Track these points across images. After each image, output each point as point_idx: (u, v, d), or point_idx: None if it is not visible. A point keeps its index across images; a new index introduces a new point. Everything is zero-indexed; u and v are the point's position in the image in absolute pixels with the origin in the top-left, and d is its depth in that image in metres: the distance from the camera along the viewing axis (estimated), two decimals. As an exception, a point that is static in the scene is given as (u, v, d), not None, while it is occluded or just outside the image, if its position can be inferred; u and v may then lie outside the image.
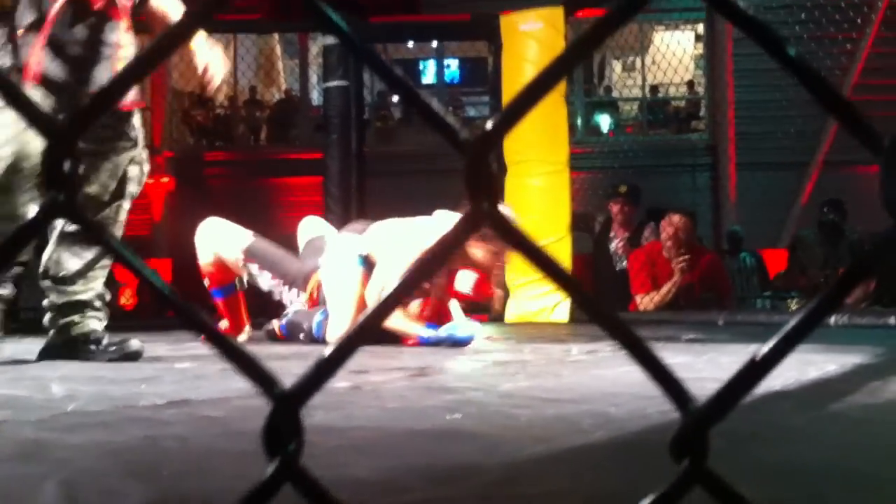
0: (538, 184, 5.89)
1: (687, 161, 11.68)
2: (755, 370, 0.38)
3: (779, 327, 0.40)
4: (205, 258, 4.08)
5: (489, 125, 0.36)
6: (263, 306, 4.34)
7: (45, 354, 3.06)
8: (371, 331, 0.38)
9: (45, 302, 3.10)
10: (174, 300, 0.38)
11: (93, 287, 3.10)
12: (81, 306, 3.08)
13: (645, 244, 5.99)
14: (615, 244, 6.31)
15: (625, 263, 6.06)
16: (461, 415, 1.68)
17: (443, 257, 0.36)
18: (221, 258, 4.05)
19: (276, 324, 4.08)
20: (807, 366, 2.31)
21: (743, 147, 11.26)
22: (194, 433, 1.58)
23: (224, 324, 4.09)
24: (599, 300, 0.39)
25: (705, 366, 2.52)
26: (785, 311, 5.82)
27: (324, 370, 0.36)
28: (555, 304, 6.05)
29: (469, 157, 0.35)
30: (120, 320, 6.06)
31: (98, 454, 1.38)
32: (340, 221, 4.86)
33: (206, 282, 4.12)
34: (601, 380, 2.28)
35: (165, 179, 9.60)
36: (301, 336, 3.86)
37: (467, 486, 1.10)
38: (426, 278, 0.36)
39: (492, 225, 0.35)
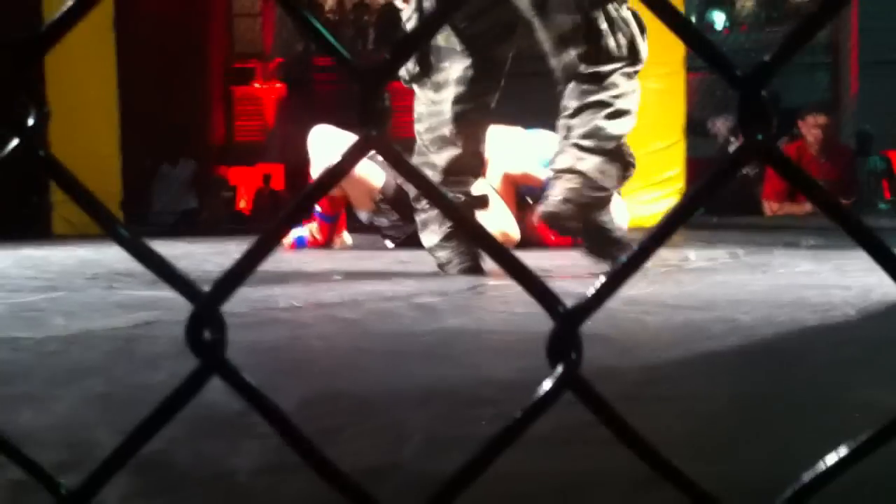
0: (654, 86, 5.76)
1: (806, 59, 11.21)
2: (623, 271, 0.40)
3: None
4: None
5: (385, 59, 0.39)
6: None
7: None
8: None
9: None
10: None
11: None
12: None
13: (792, 145, 6.06)
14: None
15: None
16: (590, 319, 1.71)
17: (333, 180, 0.40)
18: (352, 184, 3.88)
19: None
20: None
21: (867, 44, 10.73)
22: (337, 334, 1.65)
23: (312, 231, 3.98)
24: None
25: (830, 273, 2.48)
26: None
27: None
28: (667, 209, 5.99)
29: (362, 86, 0.38)
30: (238, 223, 6.25)
31: (248, 352, 1.45)
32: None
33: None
34: (725, 286, 2.27)
35: (277, 85, 9.71)
36: None
37: (609, 387, 1.13)
38: (317, 198, 0.40)
39: (380, 150, 0.39)
